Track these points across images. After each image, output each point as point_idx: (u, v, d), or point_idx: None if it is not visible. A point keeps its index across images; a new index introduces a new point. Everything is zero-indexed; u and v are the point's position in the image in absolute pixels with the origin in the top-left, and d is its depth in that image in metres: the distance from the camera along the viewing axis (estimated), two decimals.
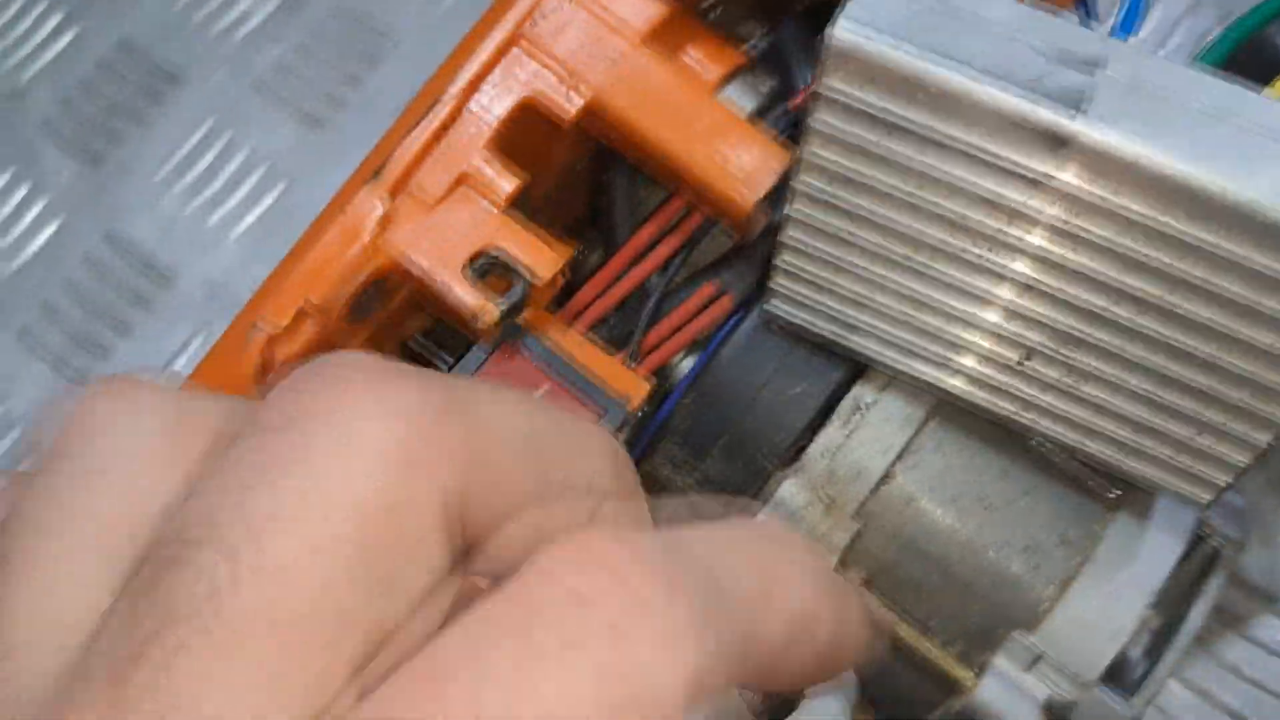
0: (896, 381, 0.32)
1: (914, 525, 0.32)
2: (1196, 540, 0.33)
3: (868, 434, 0.33)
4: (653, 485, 0.35)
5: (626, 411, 0.32)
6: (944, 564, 0.32)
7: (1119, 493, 0.32)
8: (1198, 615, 0.32)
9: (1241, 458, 0.28)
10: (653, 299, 0.34)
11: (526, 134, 0.33)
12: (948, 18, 0.24)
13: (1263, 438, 0.27)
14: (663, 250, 0.34)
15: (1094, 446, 0.30)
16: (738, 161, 0.31)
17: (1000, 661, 0.31)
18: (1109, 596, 0.31)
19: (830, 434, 0.33)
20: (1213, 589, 0.33)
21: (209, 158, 0.55)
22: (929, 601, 0.32)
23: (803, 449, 0.33)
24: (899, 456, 0.33)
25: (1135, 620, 0.31)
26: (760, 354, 0.33)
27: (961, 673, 0.31)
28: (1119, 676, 0.33)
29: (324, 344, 0.31)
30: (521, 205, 0.34)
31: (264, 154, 0.54)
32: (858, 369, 0.33)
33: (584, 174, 0.37)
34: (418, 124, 0.32)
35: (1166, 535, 0.32)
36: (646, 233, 0.35)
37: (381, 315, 0.33)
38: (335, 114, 0.55)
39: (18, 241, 0.55)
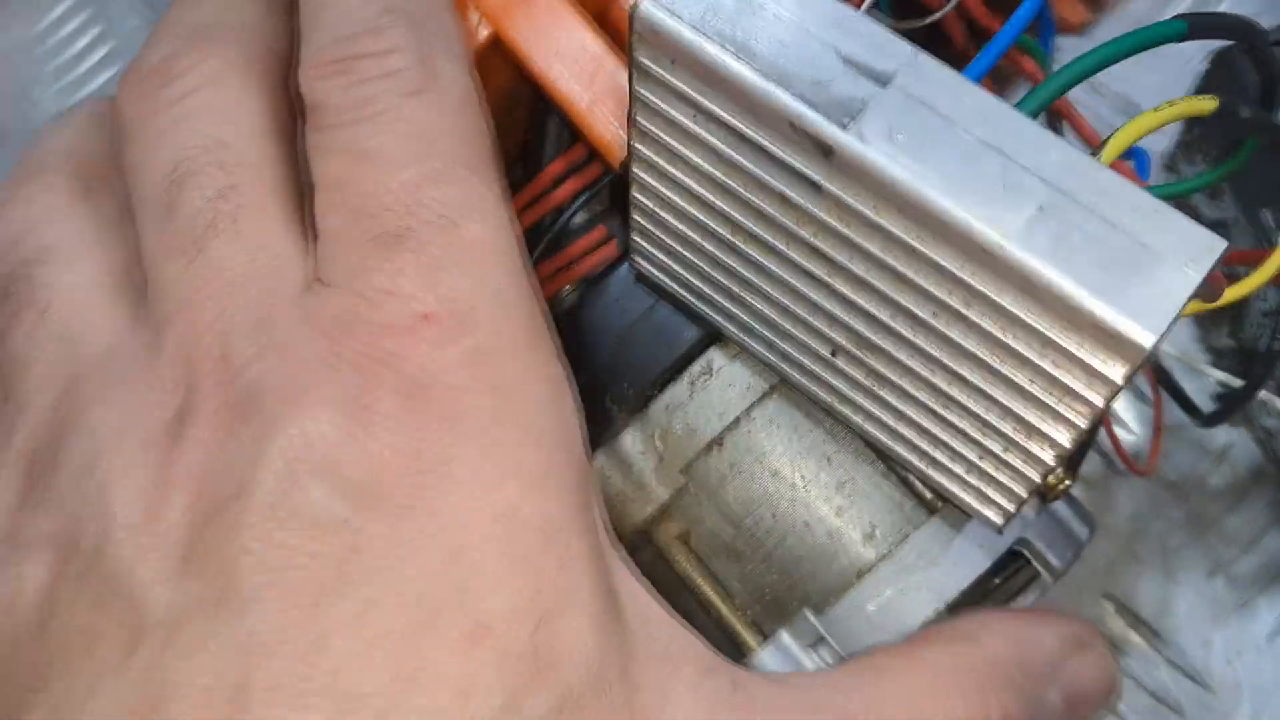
0: (746, 354, 0.33)
1: (733, 491, 0.34)
2: (1017, 561, 0.34)
3: (709, 398, 0.34)
4: None
5: None
6: (752, 533, 0.33)
7: (942, 502, 0.33)
8: None
9: (1020, 489, 0.28)
10: (546, 237, 0.36)
11: None
12: (754, 9, 0.25)
13: (1034, 474, 0.28)
14: (562, 192, 0.36)
15: (900, 451, 0.30)
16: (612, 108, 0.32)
17: (785, 635, 0.32)
18: (900, 594, 0.32)
19: (676, 391, 0.34)
20: (1022, 607, 0.33)
21: None
22: (734, 565, 0.34)
23: (650, 400, 0.34)
24: (733, 424, 0.34)
25: (919, 622, 0.32)
26: (626, 304, 0.34)
27: (750, 638, 0.33)
28: None
29: None
30: None
31: None
32: (716, 333, 0.34)
33: (524, 108, 0.39)
34: None
35: (974, 549, 0.32)
36: (551, 171, 0.36)
37: None
38: None
39: (81, 78, 0.59)
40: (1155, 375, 0.40)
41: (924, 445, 0.30)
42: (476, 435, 0.24)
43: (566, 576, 0.24)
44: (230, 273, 0.25)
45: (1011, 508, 0.29)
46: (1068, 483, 0.33)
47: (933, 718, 0.27)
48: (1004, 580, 0.34)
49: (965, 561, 0.32)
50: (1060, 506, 0.34)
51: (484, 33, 0.33)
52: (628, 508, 0.34)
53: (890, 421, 0.30)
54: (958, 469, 0.29)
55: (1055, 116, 0.42)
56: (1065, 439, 0.26)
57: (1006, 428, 0.27)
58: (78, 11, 0.60)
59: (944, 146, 0.24)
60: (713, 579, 0.34)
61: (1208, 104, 0.28)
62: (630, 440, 0.34)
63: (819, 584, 0.33)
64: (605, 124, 0.32)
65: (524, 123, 0.39)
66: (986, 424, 0.27)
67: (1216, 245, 0.23)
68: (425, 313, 0.24)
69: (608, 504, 0.34)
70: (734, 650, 0.33)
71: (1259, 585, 0.48)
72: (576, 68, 0.33)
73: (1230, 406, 0.38)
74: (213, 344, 0.24)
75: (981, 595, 0.34)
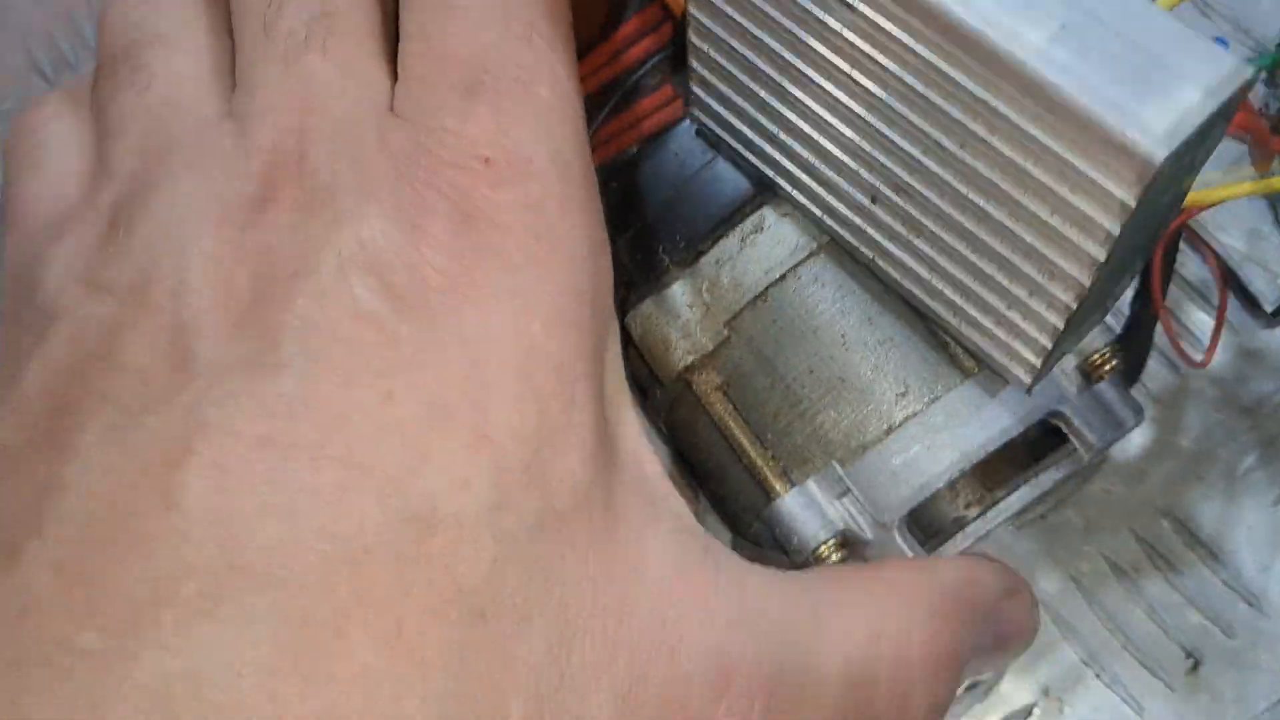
0: (796, 213, 0.34)
1: (773, 344, 0.34)
2: (1055, 440, 0.34)
3: (758, 252, 0.34)
4: None
5: None
6: (788, 384, 0.34)
7: (978, 367, 0.33)
8: (1021, 495, 0.33)
9: (1046, 339, 0.29)
10: (615, 95, 0.37)
11: None
12: None
13: (1057, 320, 0.28)
14: (634, 52, 0.37)
15: (935, 306, 0.31)
16: None
17: (811, 484, 0.33)
18: (926, 450, 0.32)
19: (726, 245, 0.35)
20: (1046, 479, 0.34)
21: None
22: (769, 415, 0.34)
23: (701, 254, 0.35)
24: (779, 280, 0.34)
25: (942, 479, 0.32)
26: (684, 158, 0.35)
27: (778, 484, 0.33)
28: (927, 528, 0.34)
29: None
30: None
31: None
32: (768, 191, 0.34)
33: None
34: None
35: (1004, 413, 0.32)
36: (626, 30, 0.37)
37: None
38: None
39: None
40: (1222, 270, 0.39)
41: (956, 298, 0.30)
42: (513, 272, 0.26)
43: (570, 416, 0.26)
44: (318, 85, 0.27)
45: (1037, 361, 0.29)
46: (1114, 363, 0.33)
47: (888, 631, 0.29)
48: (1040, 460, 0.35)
49: (993, 423, 0.32)
50: (1105, 389, 0.34)
51: None
52: (671, 354, 0.35)
53: (925, 274, 0.30)
54: (987, 321, 0.30)
55: None
56: (1084, 276, 0.26)
57: (1030, 269, 0.27)
58: None
59: None
60: (747, 427, 0.34)
61: None
62: (680, 290, 0.35)
63: (848, 439, 0.33)
64: None
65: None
66: (1012, 267, 0.27)
67: (1242, 70, 0.23)
68: (487, 156, 0.26)
69: (652, 349, 0.35)
70: (762, 495, 0.34)
71: None
72: None
73: None
74: (294, 145, 0.26)
75: (1016, 470, 0.34)
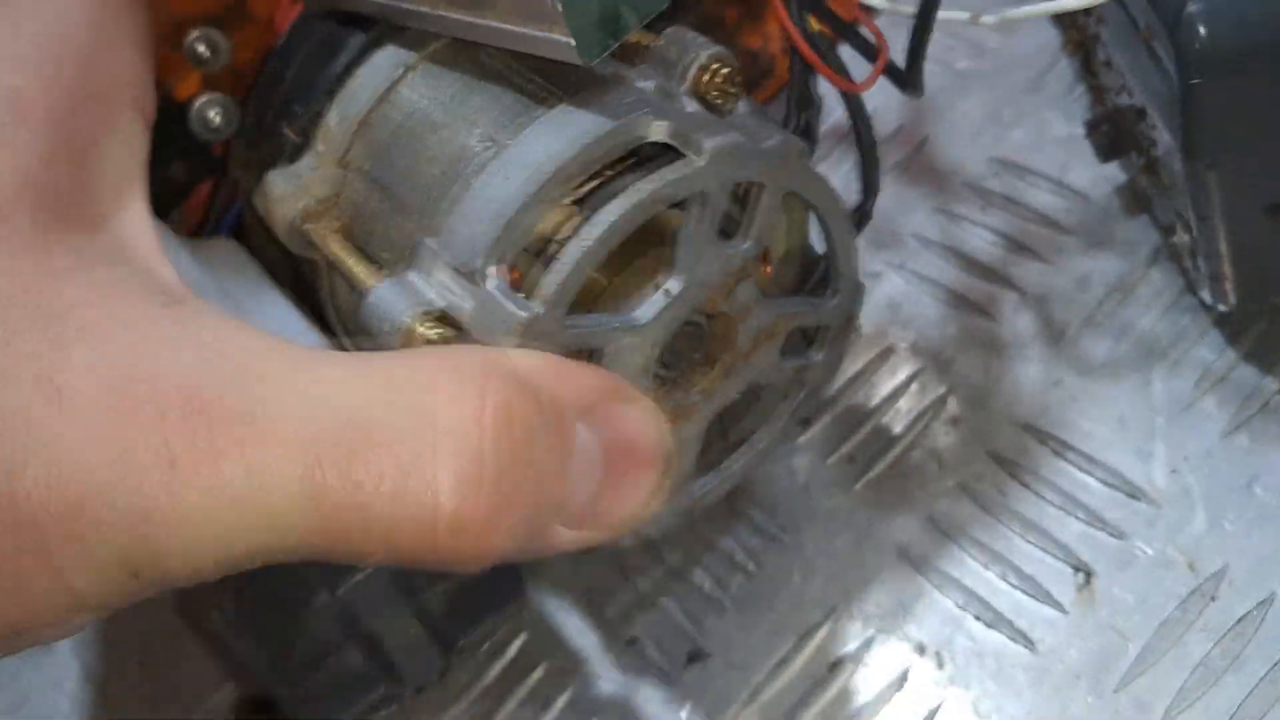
0: (400, 40, 0.33)
1: (381, 162, 0.32)
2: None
3: (359, 85, 0.33)
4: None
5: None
6: (398, 195, 0.31)
7: (560, 97, 0.30)
8: (618, 202, 0.28)
9: None
10: None
11: None
12: None
13: None
14: None
15: (494, 38, 0.29)
16: None
17: (407, 274, 0.30)
18: (501, 180, 0.29)
19: (339, 96, 0.34)
20: (639, 189, 0.29)
21: None
22: (382, 234, 0.31)
23: (320, 115, 0.34)
24: (377, 100, 0.33)
25: (517, 199, 0.28)
26: (303, 40, 0.35)
27: (371, 281, 0.30)
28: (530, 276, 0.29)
29: None
30: None
31: None
32: (379, 40, 0.34)
33: None
34: None
35: (581, 126, 0.29)
36: None
37: None
38: None
39: None
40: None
41: (498, 19, 0.28)
42: None
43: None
44: None
45: (573, 42, 0.26)
46: (724, 71, 0.30)
47: (416, 404, 0.24)
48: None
49: (567, 135, 0.29)
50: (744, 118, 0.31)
51: None
52: (286, 211, 0.33)
53: (470, 15, 0.29)
54: (524, 26, 0.28)
55: None
56: None
57: None
58: None
59: None
60: (360, 255, 0.32)
61: None
62: (307, 157, 0.34)
63: (440, 206, 0.30)
64: None
65: None
66: None
67: None
68: None
69: (272, 217, 0.33)
70: None
71: (1202, 387, 0.39)
72: None
73: None
74: None
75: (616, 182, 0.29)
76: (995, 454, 0.39)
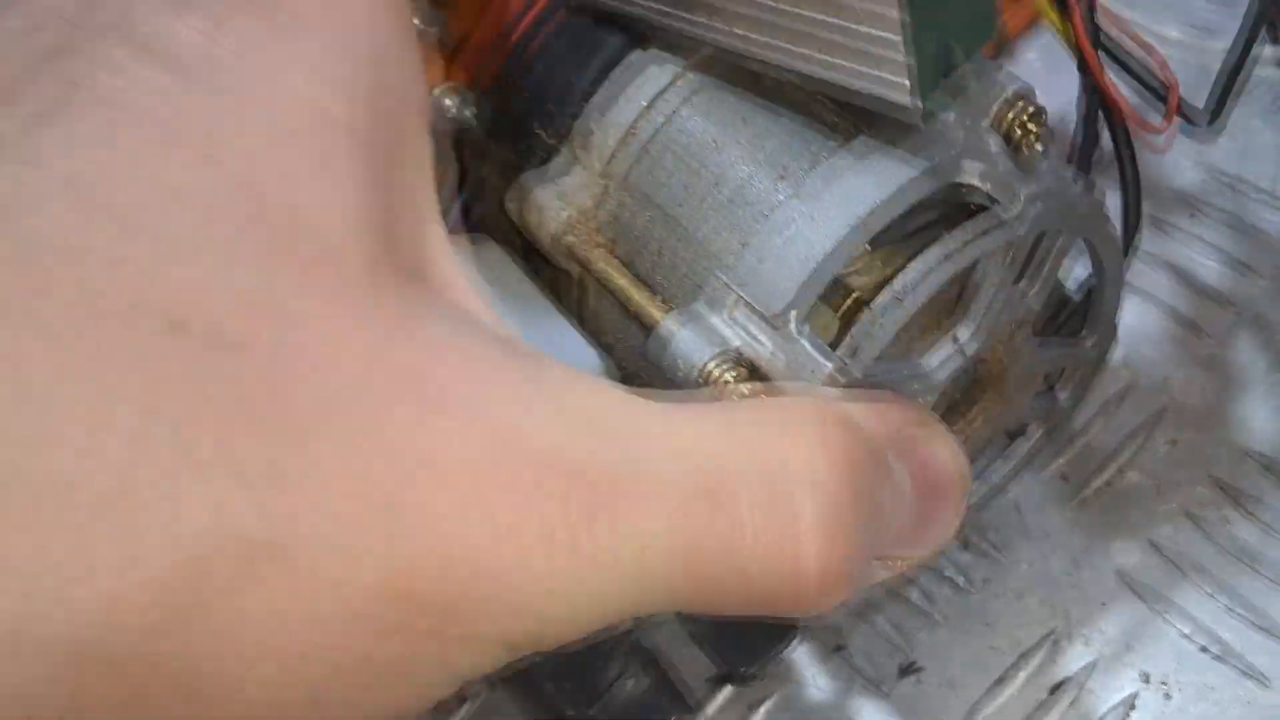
0: (665, 43, 0.32)
1: (648, 176, 0.31)
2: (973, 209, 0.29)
3: (624, 94, 0.32)
4: (474, 182, 0.36)
5: None
6: (667, 212, 0.30)
7: (858, 130, 0.29)
8: (933, 255, 0.28)
9: (891, 34, 0.25)
10: None
11: None
12: None
13: (893, 35, 0.24)
14: None
15: (800, 66, 0.27)
16: None
17: (696, 305, 0.29)
18: (808, 221, 0.28)
19: (596, 100, 0.32)
20: (962, 233, 0.28)
21: None
22: (655, 254, 0.31)
23: (575, 118, 0.33)
24: (646, 110, 0.31)
25: (828, 242, 0.27)
26: (556, 36, 0.34)
27: (658, 314, 0.29)
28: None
29: None
30: None
31: None
32: (636, 40, 0.32)
33: None
34: None
35: (893, 168, 0.28)
36: None
37: None
38: None
39: None
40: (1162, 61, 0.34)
41: (815, 50, 0.27)
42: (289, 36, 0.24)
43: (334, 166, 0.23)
44: None
45: (901, 72, 0.25)
46: (1031, 111, 0.29)
47: (767, 454, 0.23)
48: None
49: (881, 179, 0.28)
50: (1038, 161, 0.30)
51: None
52: (548, 221, 0.32)
53: (784, 23, 0.27)
54: (848, 44, 0.26)
55: None
56: None
57: None
58: None
59: None
60: (629, 272, 0.31)
61: None
62: (559, 161, 0.33)
63: (731, 242, 0.29)
64: None
65: None
66: None
67: None
68: None
69: (530, 222, 0.32)
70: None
71: None
72: None
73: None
74: None
75: (929, 240, 0.29)
76: (1217, 479, 0.39)
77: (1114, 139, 0.33)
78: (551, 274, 0.33)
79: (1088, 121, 0.32)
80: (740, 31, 0.28)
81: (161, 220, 0.20)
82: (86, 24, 0.23)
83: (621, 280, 0.31)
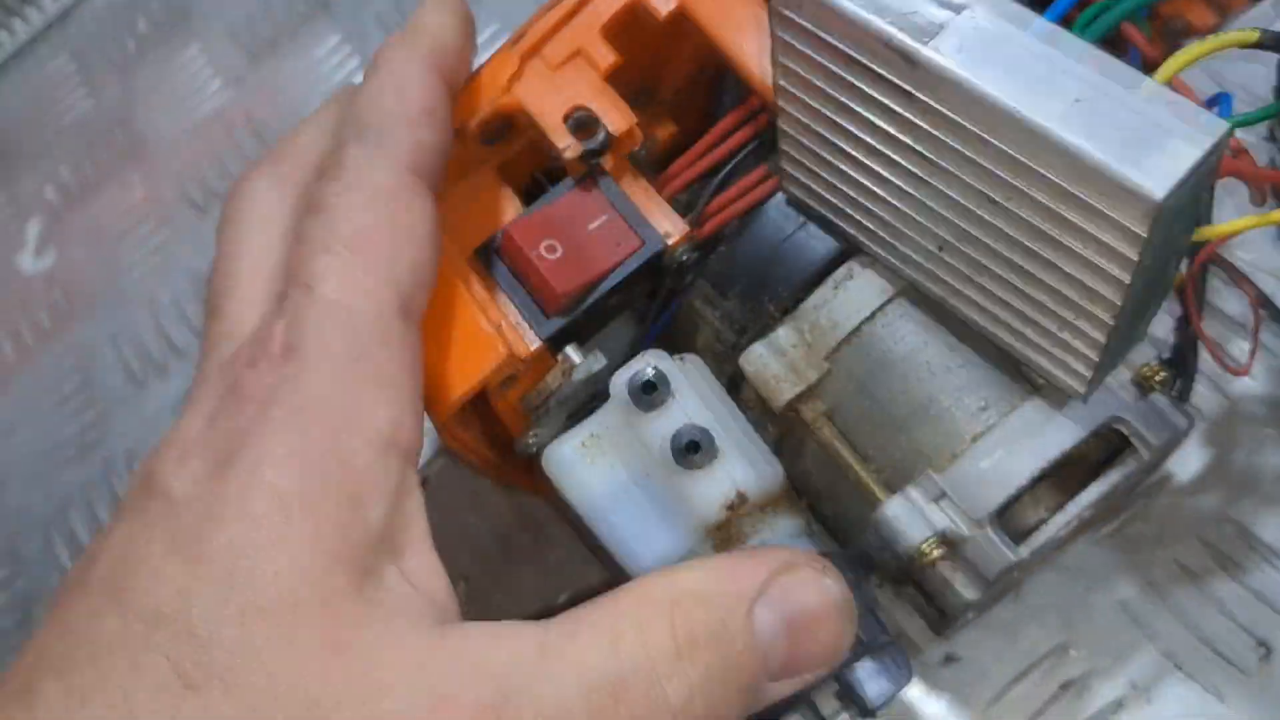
0: (879, 263, 0.41)
1: (868, 372, 0.41)
2: (1121, 443, 0.40)
3: (849, 296, 0.41)
4: (689, 314, 0.45)
5: (665, 245, 0.42)
6: (884, 407, 0.40)
7: (1044, 382, 0.39)
8: (1091, 492, 0.39)
9: (1091, 353, 0.35)
10: (719, 176, 0.44)
11: (638, 28, 0.43)
12: None
13: (1099, 335, 0.34)
14: (735, 139, 0.44)
15: (1000, 334, 0.37)
16: None
17: (912, 491, 0.39)
18: (1007, 454, 0.38)
19: (822, 292, 0.42)
20: (1114, 475, 0.39)
21: None
22: (870, 435, 0.41)
23: (800, 301, 0.42)
24: (870, 317, 0.41)
25: (1025, 478, 0.38)
26: (780, 223, 0.42)
27: (881, 494, 0.40)
28: (1012, 529, 0.40)
29: (462, 161, 0.43)
30: (650, 96, 0.45)
31: None
32: (853, 247, 0.41)
33: (708, 80, 0.47)
34: (552, 9, 0.43)
35: (1071, 421, 0.38)
36: (723, 124, 0.44)
37: (509, 150, 0.44)
38: None
39: None
40: (1255, 294, 0.45)
41: (1016, 324, 0.36)
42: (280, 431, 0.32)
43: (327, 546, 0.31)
44: None
45: (1088, 374, 0.35)
46: (1163, 374, 0.39)
47: (624, 639, 0.31)
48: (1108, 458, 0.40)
49: (1064, 429, 0.38)
50: (1159, 399, 0.40)
51: (668, 7, 0.42)
52: (780, 388, 0.41)
53: (989, 306, 0.36)
54: (1044, 343, 0.36)
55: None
56: (1116, 297, 0.32)
57: (1073, 294, 0.33)
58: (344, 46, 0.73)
59: (1002, 55, 0.31)
60: (851, 447, 0.41)
61: (1250, 35, 0.34)
62: (784, 334, 0.42)
63: (941, 449, 0.39)
64: (767, 72, 0.40)
65: (707, 84, 0.47)
66: (1059, 295, 0.34)
67: (1220, 125, 0.29)
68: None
69: (763, 385, 0.41)
70: (867, 506, 0.40)
71: None
72: (748, 30, 0.41)
73: None
74: None
75: (1090, 473, 0.40)
76: (1202, 538, 0.52)
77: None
78: (764, 413, 0.43)
79: (1183, 354, 0.43)
80: (945, 294, 0.38)
81: None
82: None
83: (846, 454, 0.41)
